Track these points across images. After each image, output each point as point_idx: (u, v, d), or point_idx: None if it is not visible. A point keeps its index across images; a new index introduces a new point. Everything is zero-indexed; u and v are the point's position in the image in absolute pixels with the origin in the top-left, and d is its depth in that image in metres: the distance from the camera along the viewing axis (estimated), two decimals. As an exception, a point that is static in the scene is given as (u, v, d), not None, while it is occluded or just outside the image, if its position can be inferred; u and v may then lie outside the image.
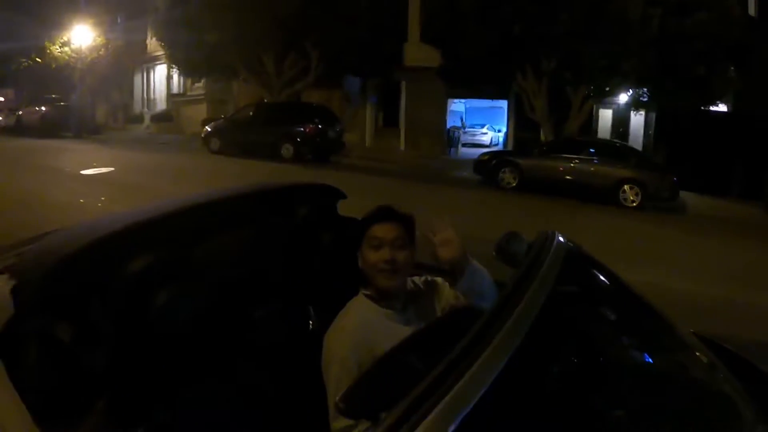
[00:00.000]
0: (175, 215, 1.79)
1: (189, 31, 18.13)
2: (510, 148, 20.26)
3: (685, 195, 13.21)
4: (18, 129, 22.50)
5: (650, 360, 1.68)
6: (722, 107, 17.13)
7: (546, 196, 12.42)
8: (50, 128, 21.13)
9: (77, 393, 1.31)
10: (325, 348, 1.59)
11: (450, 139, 22.56)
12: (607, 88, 15.96)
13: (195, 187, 8.81)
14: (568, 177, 12.95)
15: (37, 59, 27.63)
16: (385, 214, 1.72)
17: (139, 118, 29.43)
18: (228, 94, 25.17)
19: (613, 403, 1.29)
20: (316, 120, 15.99)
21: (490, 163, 14.02)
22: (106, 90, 28.93)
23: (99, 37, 27.26)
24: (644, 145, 18.18)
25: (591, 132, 19.17)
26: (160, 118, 27.19)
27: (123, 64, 28.32)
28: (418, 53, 19.76)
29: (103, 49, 27.07)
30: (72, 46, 27.13)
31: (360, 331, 1.57)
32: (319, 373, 1.58)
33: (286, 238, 2.09)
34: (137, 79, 30.98)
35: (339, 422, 1.43)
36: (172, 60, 21.47)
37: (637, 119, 19.11)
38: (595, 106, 18.36)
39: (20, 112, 24.07)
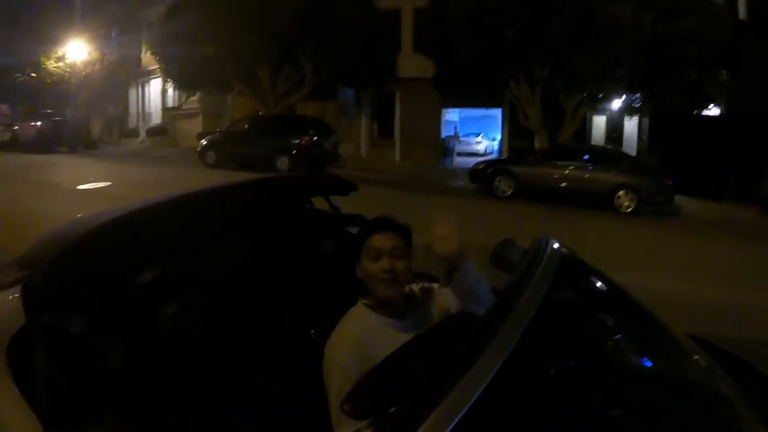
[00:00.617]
0: (184, 210, 1.80)
1: (183, 45, 18.12)
2: (505, 156, 20.36)
3: (679, 199, 13.26)
4: (13, 144, 22.40)
5: (646, 364, 1.68)
6: (715, 111, 17.21)
7: (541, 203, 12.48)
8: (45, 143, 21.02)
9: (87, 398, 1.31)
10: (326, 357, 1.60)
11: (445, 148, 22.66)
12: (600, 95, 16.00)
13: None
14: (562, 184, 13.01)
15: (32, 74, 27.68)
16: (383, 224, 1.74)
17: (134, 132, 29.36)
18: (223, 108, 25.20)
19: (608, 407, 1.29)
20: (312, 132, 16.04)
21: (486, 172, 14.09)
22: (101, 104, 28.90)
23: (94, 51, 27.37)
24: (638, 151, 18.24)
25: (585, 139, 19.28)
26: (156, 132, 27.18)
27: (118, 78, 28.31)
28: (411, 64, 19.90)
29: (97, 64, 27.15)
30: (67, 61, 27.21)
31: (360, 339, 1.59)
32: (320, 381, 1.59)
33: (290, 243, 2.11)
34: (132, 93, 30.95)
35: (342, 428, 1.44)
36: (166, 74, 21.43)
37: (631, 125, 19.19)
38: (588, 113, 18.46)
39: (15, 127, 23.99)
